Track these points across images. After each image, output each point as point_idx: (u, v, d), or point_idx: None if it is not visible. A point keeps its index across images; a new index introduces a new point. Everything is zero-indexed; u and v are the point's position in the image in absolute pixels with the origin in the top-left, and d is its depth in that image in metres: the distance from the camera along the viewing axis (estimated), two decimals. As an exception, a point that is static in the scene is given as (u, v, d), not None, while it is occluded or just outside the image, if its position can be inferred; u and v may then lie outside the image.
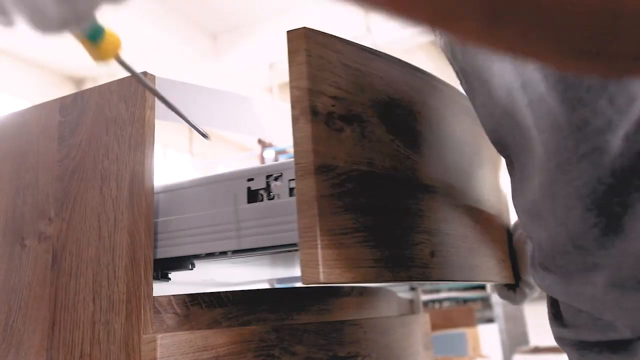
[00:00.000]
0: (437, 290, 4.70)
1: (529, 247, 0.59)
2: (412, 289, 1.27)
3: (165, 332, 0.58)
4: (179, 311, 0.60)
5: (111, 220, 0.60)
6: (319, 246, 0.47)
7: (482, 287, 4.73)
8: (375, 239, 0.53)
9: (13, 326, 0.63)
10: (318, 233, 0.48)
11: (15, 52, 6.16)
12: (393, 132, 0.58)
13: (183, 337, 0.56)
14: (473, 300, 5.00)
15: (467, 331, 3.29)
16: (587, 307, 0.47)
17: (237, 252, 0.57)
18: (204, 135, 0.58)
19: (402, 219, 0.57)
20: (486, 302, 5.02)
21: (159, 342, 0.54)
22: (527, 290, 0.79)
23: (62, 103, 0.66)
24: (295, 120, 0.51)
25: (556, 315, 0.53)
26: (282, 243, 0.55)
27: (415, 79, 0.64)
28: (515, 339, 3.54)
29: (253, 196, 0.59)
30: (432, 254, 0.59)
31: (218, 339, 0.58)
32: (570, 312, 0.50)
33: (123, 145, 0.61)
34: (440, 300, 4.76)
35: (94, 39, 0.42)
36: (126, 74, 0.48)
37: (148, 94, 0.61)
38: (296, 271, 1.14)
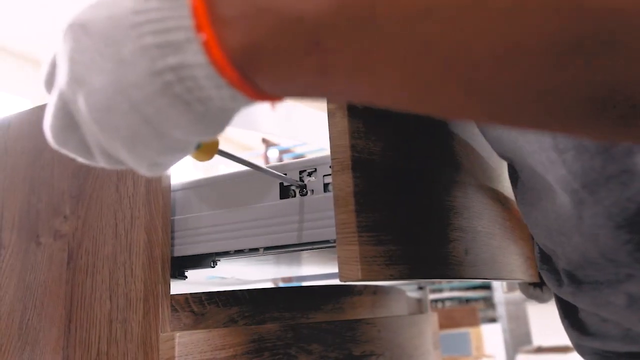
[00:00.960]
0: (440, 290, 4.70)
1: (534, 249, 0.59)
2: (420, 288, 1.27)
3: (182, 330, 0.57)
4: (195, 309, 0.60)
5: (128, 218, 0.60)
6: (358, 242, 0.46)
7: (484, 287, 4.73)
8: (412, 236, 0.52)
9: (28, 324, 0.63)
10: (356, 229, 0.47)
11: (16, 51, 6.16)
12: (425, 127, 0.58)
13: (201, 336, 0.56)
14: (475, 300, 5.00)
15: (470, 331, 3.29)
16: (617, 317, 0.46)
17: (269, 249, 0.56)
18: (300, 187, 0.57)
19: (437, 216, 0.56)
20: (488, 302, 5.03)
21: (177, 340, 0.54)
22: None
23: (77, 100, 0.66)
24: (331, 114, 0.50)
25: (575, 324, 0.52)
26: (316, 240, 0.54)
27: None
28: (519, 338, 3.54)
29: (285, 192, 0.58)
30: (466, 252, 0.58)
31: (235, 337, 0.58)
32: (594, 321, 0.49)
33: (139, 142, 0.60)
34: (442, 300, 4.76)
35: (197, 148, 0.46)
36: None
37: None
38: (302, 270, 1.13)
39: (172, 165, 0.34)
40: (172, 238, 0.60)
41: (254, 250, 0.57)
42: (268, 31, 0.25)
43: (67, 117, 0.33)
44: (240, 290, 0.64)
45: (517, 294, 3.69)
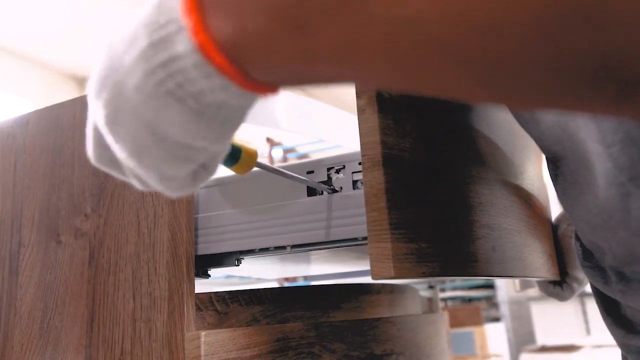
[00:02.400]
0: (442, 289, 4.70)
1: (575, 245, 0.58)
2: (431, 287, 1.27)
3: (206, 329, 0.57)
4: (219, 308, 0.59)
5: (151, 216, 0.59)
6: (390, 240, 0.46)
7: (487, 286, 4.73)
8: (441, 233, 0.52)
9: (50, 323, 0.62)
10: (388, 227, 0.46)
11: (18, 51, 6.15)
12: (452, 124, 0.57)
13: (226, 335, 0.55)
14: (477, 299, 5.00)
15: (474, 330, 3.29)
16: None
17: (296, 247, 0.56)
18: (330, 190, 0.56)
19: (465, 213, 0.55)
20: (490, 301, 5.03)
21: (202, 339, 0.54)
22: (575, 285, 0.78)
23: (97, 98, 0.65)
24: (361, 110, 0.49)
25: (619, 322, 0.51)
26: (344, 237, 0.54)
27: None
28: (522, 338, 3.54)
29: (313, 189, 0.57)
30: (494, 249, 0.58)
31: (260, 336, 0.58)
32: None
33: (162, 140, 0.60)
34: (445, 300, 4.76)
35: (235, 163, 0.45)
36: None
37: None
38: (311, 269, 1.13)
39: (191, 180, 0.34)
40: (196, 236, 0.60)
41: (280, 249, 0.57)
42: (254, 15, 0.25)
43: (97, 133, 0.33)
44: (262, 288, 0.63)
45: (521, 293, 3.68)
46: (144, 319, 0.57)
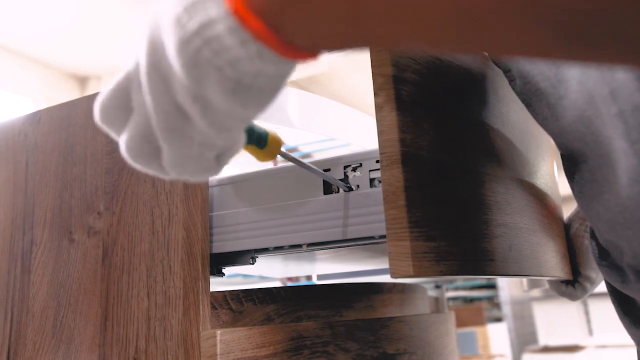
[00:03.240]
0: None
1: (590, 244, 0.58)
2: (437, 286, 1.26)
3: (221, 328, 0.57)
4: (233, 307, 0.59)
5: (165, 214, 0.59)
6: (409, 238, 0.46)
7: (488, 286, 4.72)
8: (460, 232, 0.51)
9: (63, 322, 0.62)
10: (407, 225, 0.46)
11: (18, 50, 6.14)
12: (468, 122, 0.57)
13: (242, 333, 0.55)
14: (479, 299, 5.00)
15: (477, 330, 3.28)
16: None
17: (312, 245, 0.55)
18: (347, 188, 0.56)
19: (481, 212, 0.55)
20: (492, 301, 5.03)
21: (218, 338, 0.53)
22: (588, 285, 0.77)
23: (110, 95, 0.65)
24: (379, 108, 0.49)
25: (637, 321, 0.51)
26: (361, 236, 0.54)
27: (482, 66, 0.63)
28: (524, 338, 3.54)
29: (329, 187, 0.57)
30: (510, 248, 0.57)
31: (276, 335, 0.57)
32: None
33: (176, 137, 0.59)
34: (447, 300, 4.76)
35: (262, 146, 0.45)
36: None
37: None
38: (317, 268, 1.12)
39: (214, 162, 0.33)
40: (210, 234, 0.59)
41: (295, 247, 0.57)
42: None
43: (147, 126, 0.32)
44: (275, 287, 0.63)
45: (523, 294, 3.68)
46: (159, 317, 0.57)
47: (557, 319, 3.48)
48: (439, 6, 0.22)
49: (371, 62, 0.50)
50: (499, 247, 0.56)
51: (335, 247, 0.55)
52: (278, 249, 0.57)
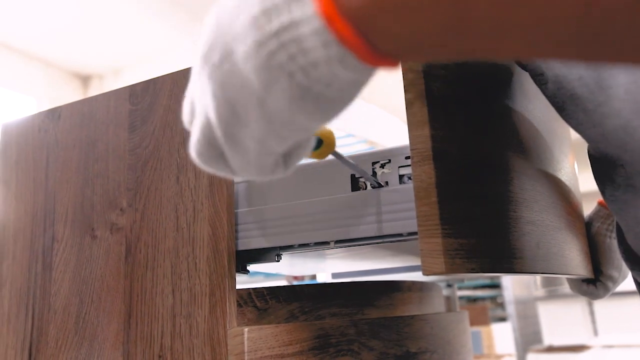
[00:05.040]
0: (448, 289, 4.69)
1: (619, 248, 0.57)
2: (449, 285, 1.26)
3: (246, 325, 0.56)
4: (258, 304, 0.58)
5: (190, 210, 0.58)
6: (441, 235, 0.45)
7: (492, 286, 4.72)
8: (489, 229, 0.51)
9: (86, 319, 0.61)
10: (440, 221, 0.45)
11: (22, 49, 6.14)
12: (497, 118, 0.57)
13: (269, 331, 0.54)
14: (482, 298, 4.99)
15: (481, 330, 3.28)
16: None
17: (339, 242, 0.55)
18: (377, 184, 0.56)
19: (510, 209, 0.55)
20: (495, 301, 5.02)
21: (246, 335, 0.53)
22: (610, 284, 0.77)
23: (132, 91, 0.65)
24: (409, 104, 0.49)
25: None
26: (389, 233, 0.53)
27: (508, 62, 0.62)
28: (529, 337, 3.53)
29: (356, 184, 0.56)
30: (538, 246, 0.57)
31: (302, 333, 0.57)
32: None
33: (201, 133, 0.59)
34: (450, 299, 4.75)
35: (317, 147, 0.46)
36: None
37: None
38: (327, 266, 1.12)
39: (282, 163, 0.33)
40: (236, 231, 0.59)
41: (321, 244, 0.56)
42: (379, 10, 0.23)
43: (209, 129, 0.32)
44: (299, 285, 0.63)
45: (527, 293, 3.67)
46: (184, 314, 0.56)
47: (562, 319, 3.48)
48: (558, 22, 0.21)
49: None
50: (527, 244, 0.56)
51: (362, 244, 0.55)
52: (303, 246, 0.57)
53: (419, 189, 0.47)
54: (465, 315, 0.97)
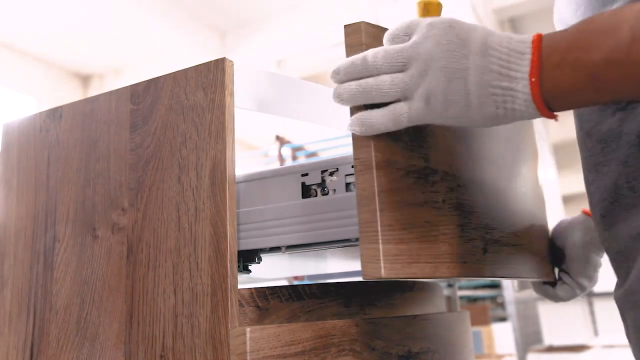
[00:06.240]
0: (448, 289, 4.68)
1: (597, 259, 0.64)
2: (450, 285, 1.26)
3: (248, 325, 0.56)
4: (260, 304, 0.58)
5: (191, 210, 0.58)
6: (380, 241, 0.48)
7: (492, 286, 4.71)
8: (433, 235, 0.54)
9: (87, 319, 0.61)
10: (379, 228, 0.48)
11: (22, 49, 6.14)
12: (445, 127, 0.58)
13: (271, 331, 0.54)
14: (483, 299, 4.98)
15: (482, 330, 3.28)
16: None
17: (290, 247, 0.58)
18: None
19: (457, 215, 0.57)
20: (495, 301, 5.00)
21: (248, 335, 0.53)
22: (578, 291, 0.79)
23: (134, 90, 0.65)
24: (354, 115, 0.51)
25: None
26: (338, 238, 0.56)
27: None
28: (529, 337, 3.53)
29: (307, 191, 0.59)
30: (485, 250, 0.59)
31: (304, 332, 0.57)
32: None
33: (203, 133, 0.59)
34: (450, 299, 4.74)
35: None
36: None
37: (227, 80, 0.59)
38: (325, 267, 1.12)
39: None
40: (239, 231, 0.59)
41: (275, 249, 0.59)
42: (567, 78, 0.46)
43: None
44: (300, 285, 0.63)
45: (527, 293, 3.68)
46: (186, 314, 0.56)
47: (562, 319, 3.48)
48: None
49: None
50: (474, 249, 0.58)
51: (313, 250, 0.58)
52: (260, 251, 0.60)
53: (361, 196, 0.50)
54: (467, 315, 0.97)
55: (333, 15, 5.29)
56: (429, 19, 0.49)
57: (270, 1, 5.71)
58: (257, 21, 5.97)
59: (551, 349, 3.37)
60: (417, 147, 0.54)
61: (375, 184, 0.49)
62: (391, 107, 0.49)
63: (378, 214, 0.48)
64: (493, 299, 4.96)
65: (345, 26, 0.53)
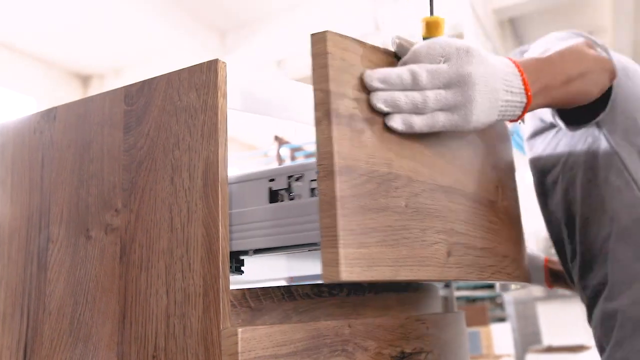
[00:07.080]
0: (447, 289, 4.68)
1: None
2: (447, 285, 1.26)
3: (240, 326, 0.56)
4: (252, 305, 0.58)
5: (184, 211, 0.58)
6: (340, 245, 0.49)
7: (491, 286, 4.70)
8: (394, 239, 0.55)
9: (80, 319, 0.62)
10: (339, 233, 0.49)
11: (22, 49, 6.14)
12: (410, 134, 0.60)
13: (263, 332, 0.55)
14: (482, 299, 4.98)
15: (480, 330, 3.28)
16: None
17: (258, 251, 0.59)
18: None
19: (420, 219, 0.58)
20: (494, 301, 5.00)
21: (240, 336, 0.53)
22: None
23: (127, 92, 0.65)
24: (318, 122, 0.52)
25: None
26: (303, 242, 0.57)
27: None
28: (528, 338, 3.53)
29: (274, 196, 0.61)
30: (449, 254, 0.61)
31: (296, 333, 0.57)
32: None
33: (195, 134, 0.59)
34: (449, 299, 4.74)
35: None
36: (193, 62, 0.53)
37: (220, 82, 0.59)
38: (316, 268, 1.13)
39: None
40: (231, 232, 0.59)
41: (243, 253, 0.60)
42: (543, 91, 0.66)
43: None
44: (293, 285, 0.63)
45: (527, 294, 3.68)
46: (178, 315, 0.56)
47: (561, 319, 3.49)
48: (595, 88, 0.75)
49: (312, 79, 0.53)
50: (437, 253, 0.59)
51: (279, 253, 0.59)
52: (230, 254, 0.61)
53: (323, 202, 0.51)
54: (462, 316, 0.97)
55: (333, 16, 5.29)
56: (460, 44, 0.59)
57: (270, 1, 5.71)
58: (257, 21, 5.97)
59: (550, 349, 3.37)
60: (380, 153, 0.56)
61: (337, 190, 0.50)
62: (430, 115, 0.57)
63: (338, 218, 0.50)
64: (492, 299, 4.96)
65: (311, 35, 0.55)
